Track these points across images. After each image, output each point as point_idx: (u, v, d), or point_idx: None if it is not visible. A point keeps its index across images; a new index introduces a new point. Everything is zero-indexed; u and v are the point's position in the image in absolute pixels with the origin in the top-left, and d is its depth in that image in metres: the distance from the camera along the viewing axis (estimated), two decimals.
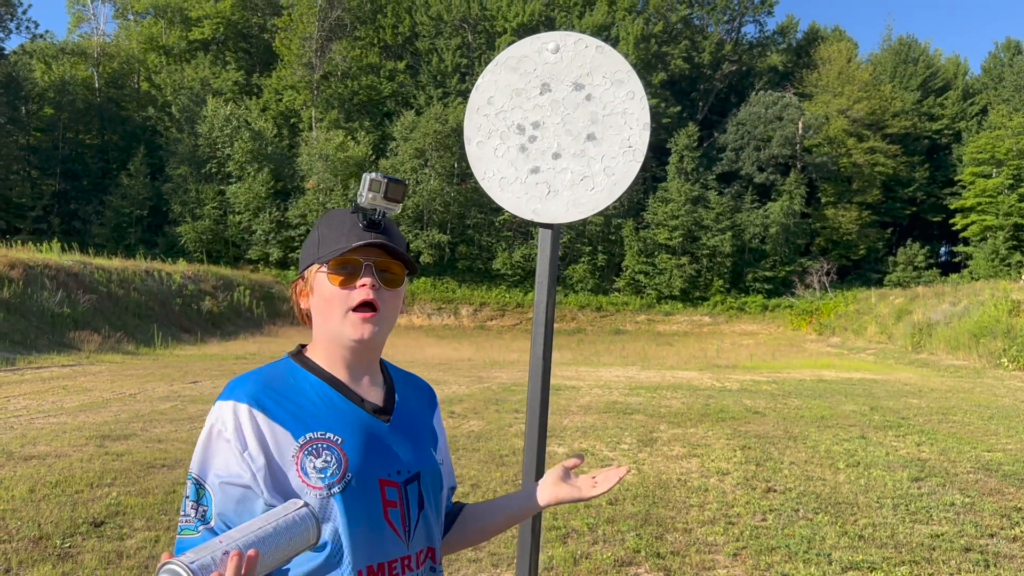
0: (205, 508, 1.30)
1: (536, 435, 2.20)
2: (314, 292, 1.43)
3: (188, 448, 7.63)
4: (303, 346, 1.50)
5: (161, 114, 47.82)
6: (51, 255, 24.70)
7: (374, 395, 1.45)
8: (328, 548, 1.30)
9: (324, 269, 1.40)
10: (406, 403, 1.51)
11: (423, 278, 43.59)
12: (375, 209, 1.46)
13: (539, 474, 2.21)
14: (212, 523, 1.29)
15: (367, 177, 1.46)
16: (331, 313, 1.39)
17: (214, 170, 44.44)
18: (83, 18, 56.42)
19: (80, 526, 5.06)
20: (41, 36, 48.91)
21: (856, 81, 50.77)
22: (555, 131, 2.23)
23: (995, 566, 4.79)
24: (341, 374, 1.43)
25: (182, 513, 1.33)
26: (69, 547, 4.68)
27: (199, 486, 1.31)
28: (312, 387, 1.40)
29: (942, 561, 4.86)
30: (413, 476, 1.42)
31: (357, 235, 1.41)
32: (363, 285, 1.38)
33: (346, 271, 1.39)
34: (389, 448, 1.41)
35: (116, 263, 27.71)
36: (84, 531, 4.98)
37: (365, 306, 1.38)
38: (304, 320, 1.49)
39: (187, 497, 1.33)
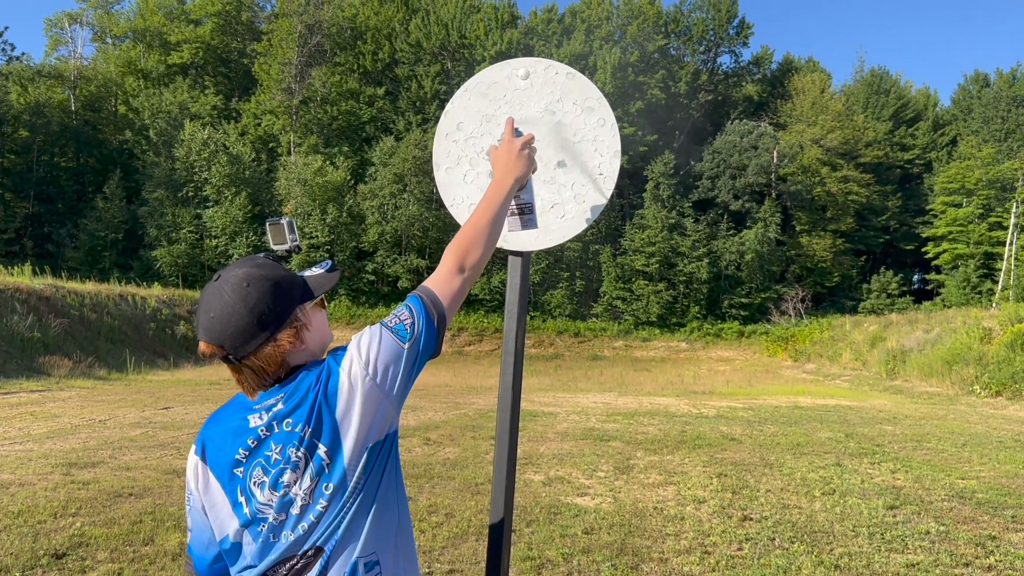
0: None
1: (505, 464, 2.16)
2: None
3: (157, 476, 7.48)
4: None
5: (138, 137, 47.58)
6: (22, 278, 24.33)
7: None
8: None
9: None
10: None
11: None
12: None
13: (508, 504, 2.17)
14: None
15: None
16: None
17: (191, 194, 44.20)
18: (60, 41, 56.30)
19: (41, 558, 4.92)
20: (17, 59, 48.69)
21: (830, 111, 51.63)
22: None
23: None
24: None
25: None
26: None
27: None
28: None
29: None
30: None
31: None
32: None
33: None
34: None
35: (89, 287, 27.35)
36: (45, 563, 4.84)
37: None
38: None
39: None
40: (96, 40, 56.52)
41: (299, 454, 1.56)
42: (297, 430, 1.56)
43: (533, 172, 1.99)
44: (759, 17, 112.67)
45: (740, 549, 5.68)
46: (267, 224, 1.83)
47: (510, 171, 1.93)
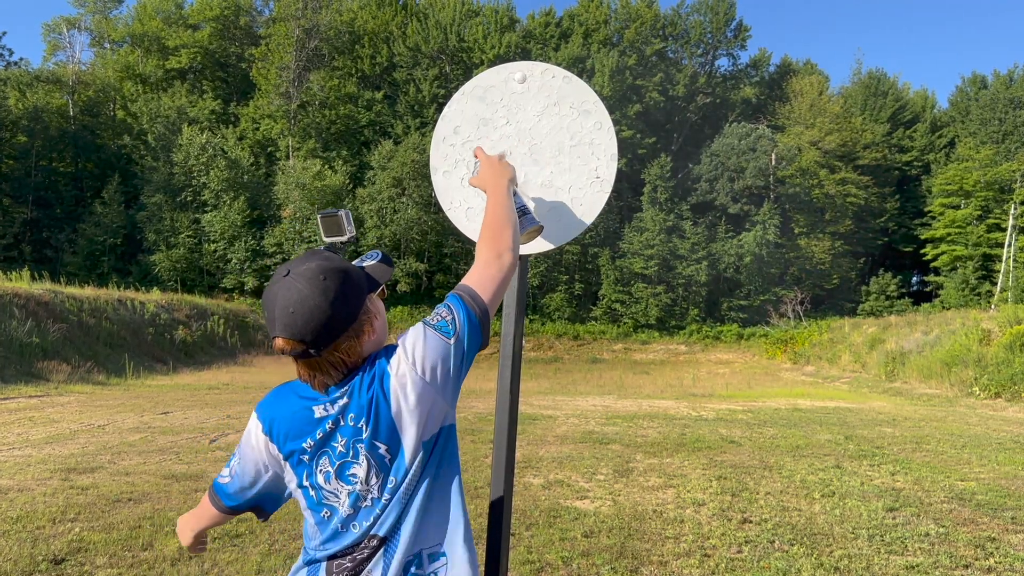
0: None
1: (503, 468, 2.16)
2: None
3: (156, 481, 7.47)
4: None
5: (137, 142, 47.58)
6: (21, 283, 24.32)
7: None
8: None
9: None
10: None
11: (400, 306, 43.42)
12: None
13: (507, 508, 2.17)
14: None
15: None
16: None
17: (189, 198, 44.21)
18: (59, 46, 56.25)
19: (40, 563, 4.91)
20: (16, 64, 48.67)
21: (827, 113, 51.70)
22: (522, 161, 2.22)
23: None
24: None
25: None
26: None
27: None
28: None
29: None
30: None
31: None
32: None
33: None
34: None
35: (88, 292, 27.33)
36: (44, 569, 4.83)
37: None
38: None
39: None
40: (94, 45, 56.56)
41: (363, 450, 1.62)
42: (360, 426, 1.62)
43: (515, 183, 2.01)
44: (757, 20, 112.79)
45: (740, 552, 5.68)
46: (319, 217, 1.84)
47: (499, 176, 1.98)
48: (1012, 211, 45.57)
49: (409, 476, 1.63)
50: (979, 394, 19.40)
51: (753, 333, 43.79)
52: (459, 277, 45.36)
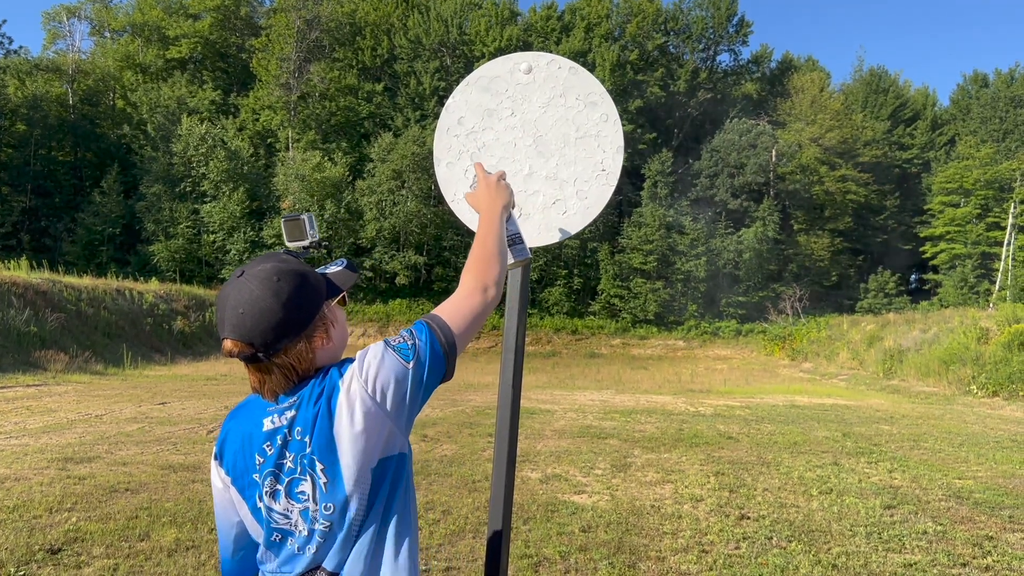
0: None
1: (505, 462, 2.14)
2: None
3: (153, 471, 7.46)
4: None
5: (136, 132, 47.46)
6: (19, 272, 24.26)
7: None
8: None
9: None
10: None
11: (399, 299, 43.41)
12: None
13: (508, 502, 2.15)
14: None
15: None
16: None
17: (189, 189, 44.13)
18: (59, 35, 56.08)
19: (36, 553, 4.90)
20: (15, 52, 48.49)
21: (828, 110, 51.64)
22: (527, 153, 2.19)
23: None
24: None
25: None
26: (23, 575, 4.52)
27: None
28: None
29: None
30: None
31: None
32: None
33: None
34: None
35: (86, 281, 27.28)
36: (40, 558, 4.82)
37: None
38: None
39: None
40: (94, 34, 56.38)
41: (308, 467, 1.54)
42: (304, 440, 1.53)
43: (513, 207, 1.98)
44: (758, 15, 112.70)
45: (737, 548, 5.67)
46: (283, 221, 1.80)
47: (495, 201, 1.92)
48: (1012, 210, 45.56)
49: (353, 506, 1.53)
50: (977, 392, 19.41)
51: (751, 329, 43.80)
52: (458, 271, 45.37)
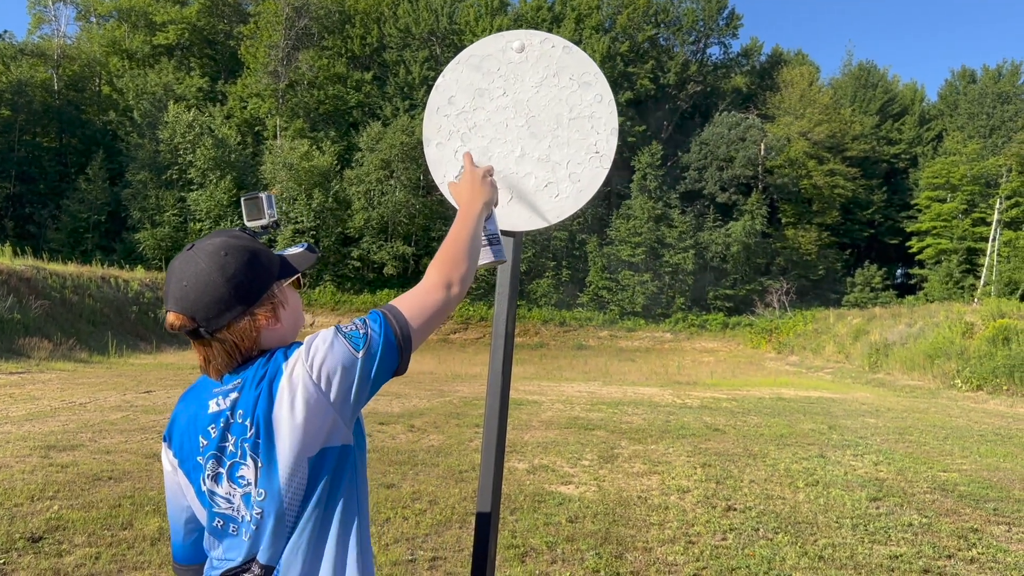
0: None
1: (493, 451, 2.10)
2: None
3: (137, 460, 7.39)
4: None
5: (122, 118, 47.00)
6: (2, 259, 24.01)
7: None
8: None
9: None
10: None
11: (386, 290, 43.27)
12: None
13: (496, 491, 2.12)
14: None
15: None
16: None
17: (175, 176, 43.78)
18: (44, 19, 55.36)
19: (16, 541, 4.83)
20: (0, 36, 47.88)
21: (817, 104, 51.76)
22: (519, 134, 2.14)
23: None
24: None
25: None
26: (3, 564, 4.46)
27: None
28: None
29: None
30: None
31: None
32: None
33: None
34: None
35: (71, 268, 27.03)
36: (20, 547, 4.75)
37: None
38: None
39: None
40: (80, 19, 55.71)
41: (249, 451, 1.48)
42: (245, 424, 1.48)
43: (495, 205, 1.92)
44: (748, 9, 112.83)
45: (724, 539, 5.67)
46: (242, 200, 1.75)
47: (476, 197, 1.84)
48: (997, 206, 45.84)
49: (287, 496, 1.46)
50: (961, 387, 19.54)
51: (738, 322, 43.95)
52: None
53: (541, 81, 2.13)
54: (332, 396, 1.46)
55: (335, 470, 1.49)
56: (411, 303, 1.59)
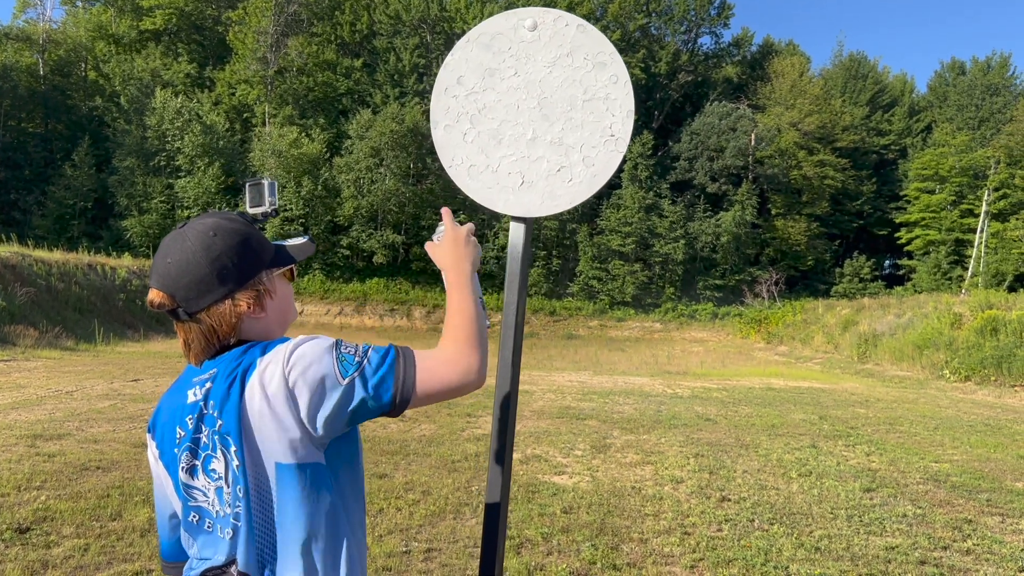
0: None
1: (504, 442, 2.04)
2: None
3: (125, 449, 7.30)
4: None
5: (109, 104, 46.54)
6: None
7: None
8: None
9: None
10: None
11: (376, 279, 43.12)
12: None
13: (505, 482, 2.06)
14: None
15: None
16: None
17: (163, 163, 43.42)
18: (29, 3, 54.66)
19: (3, 532, 4.75)
20: None
21: (808, 95, 51.77)
22: (531, 116, 2.06)
23: None
24: None
25: None
26: None
27: None
28: None
29: (898, 574, 4.83)
30: None
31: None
32: None
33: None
34: None
35: (57, 255, 26.77)
36: (8, 538, 4.67)
37: None
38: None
39: None
40: (66, 3, 54.99)
41: (218, 444, 1.41)
42: (215, 415, 1.40)
43: (479, 266, 1.79)
44: None
45: (720, 530, 5.65)
46: (246, 185, 1.69)
47: (462, 259, 1.70)
48: (985, 197, 46.08)
49: (254, 499, 1.39)
50: (949, 377, 19.64)
51: (728, 312, 44.06)
52: None
53: (554, 61, 2.05)
54: (302, 410, 1.36)
55: (307, 490, 1.40)
56: (428, 366, 1.46)
